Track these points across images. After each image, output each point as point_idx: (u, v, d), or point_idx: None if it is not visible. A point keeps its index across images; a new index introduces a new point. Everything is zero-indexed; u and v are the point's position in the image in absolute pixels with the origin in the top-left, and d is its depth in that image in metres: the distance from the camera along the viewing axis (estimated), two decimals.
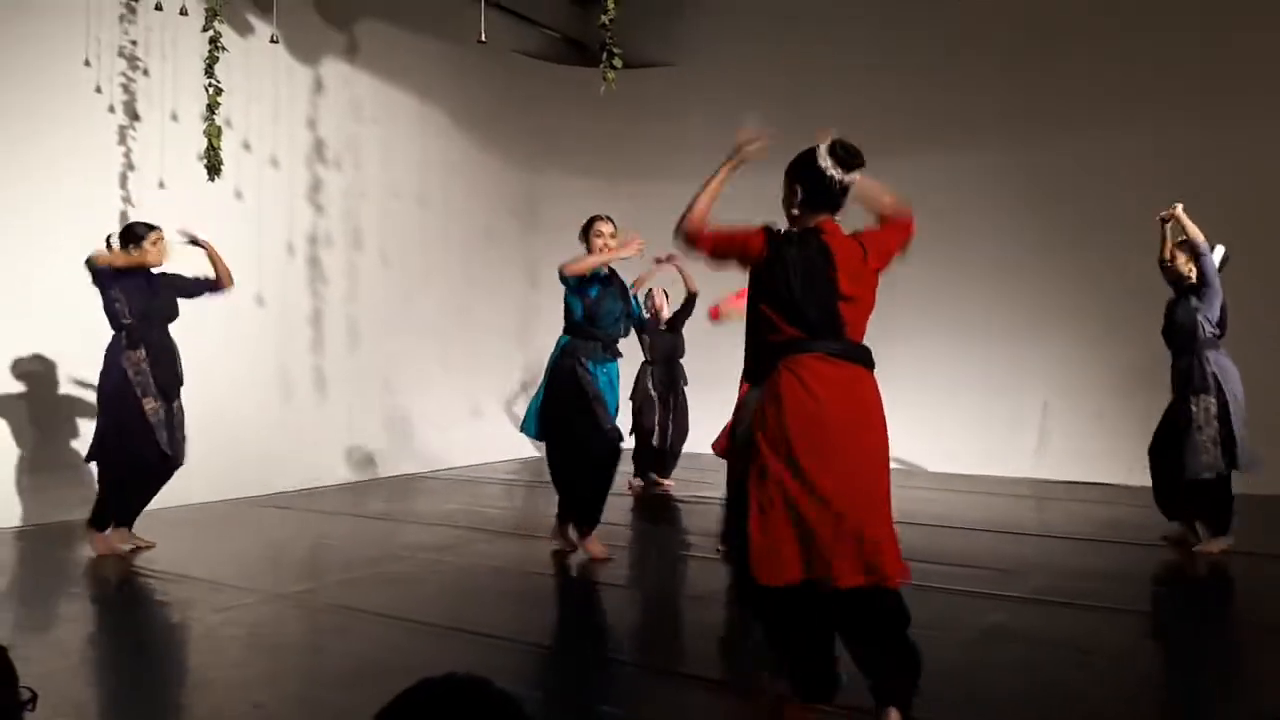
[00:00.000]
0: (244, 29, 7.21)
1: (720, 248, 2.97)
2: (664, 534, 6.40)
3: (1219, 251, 5.22)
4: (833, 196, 2.94)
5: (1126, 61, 7.68)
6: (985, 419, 8.16)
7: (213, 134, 6.42)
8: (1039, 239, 7.99)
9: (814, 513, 2.74)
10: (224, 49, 6.43)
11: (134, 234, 5.23)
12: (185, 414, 5.30)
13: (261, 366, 7.36)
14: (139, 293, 5.14)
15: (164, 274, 5.30)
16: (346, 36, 8.16)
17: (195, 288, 5.40)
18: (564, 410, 5.01)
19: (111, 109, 6.56)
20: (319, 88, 7.90)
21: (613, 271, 5.20)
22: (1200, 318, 5.15)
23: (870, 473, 2.82)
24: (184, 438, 5.29)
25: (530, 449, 9.50)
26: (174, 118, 6.83)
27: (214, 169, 6.43)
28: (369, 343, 8.24)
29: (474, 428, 9.01)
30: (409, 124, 8.70)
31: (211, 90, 6.39)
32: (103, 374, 5.15)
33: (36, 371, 6.15)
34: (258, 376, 7.28)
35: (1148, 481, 6.40)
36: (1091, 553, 5.50)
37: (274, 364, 7.48)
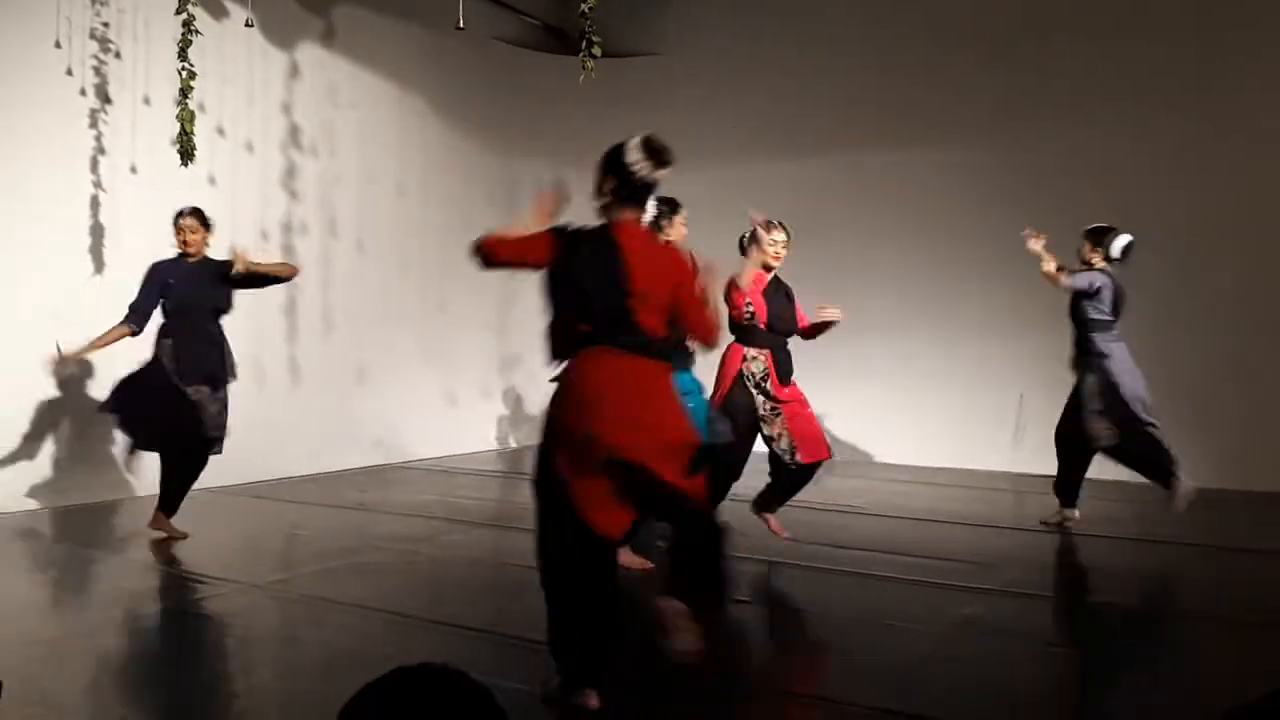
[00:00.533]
0: (218, 12, 7.10)
1: (507, 253, 2.99)
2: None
3: (1124, 239, 5.61)
4: (637, 192, 2.99)
5: (1118, 61, 7.69)
6: (963, 412, 8.19)
7: (186, 118, 6.32)
8: (1017, 233, 8.02)
9: (623, 463, 2.82)
10: (198, 32, 6.33)
11: (173, 219, 5.28)
12: (226, 407, 5.23)
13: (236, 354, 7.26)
14: (180, 283, 5.13)
15: (218, 262, 5.24)
16: (323, 21, 8.06)
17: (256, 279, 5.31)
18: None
19: (83, 92, 6.44)
20: (295, 72, 7.80)
21: None
22: (1086, 303, 5.57)
23: (664, 432, 2.90)
24: (221, 426, 5.19)
25: (509, 441, 9.48)
26: (146, 101, 6.72)
27: (187, 154, 6.33)
28: (344, 331, 8.16)
29: (450, 418, 8.95)
30: (386, 110, 8.62)
31: (185, 74, 6.29)
32: (150, 362, 5.16)
33: (9, 358, 6.05)
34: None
35: (1121, 475, 6.46)
36: (1066, 546, 5.54)
37: (247, 353, 7.33)
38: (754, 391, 4.86)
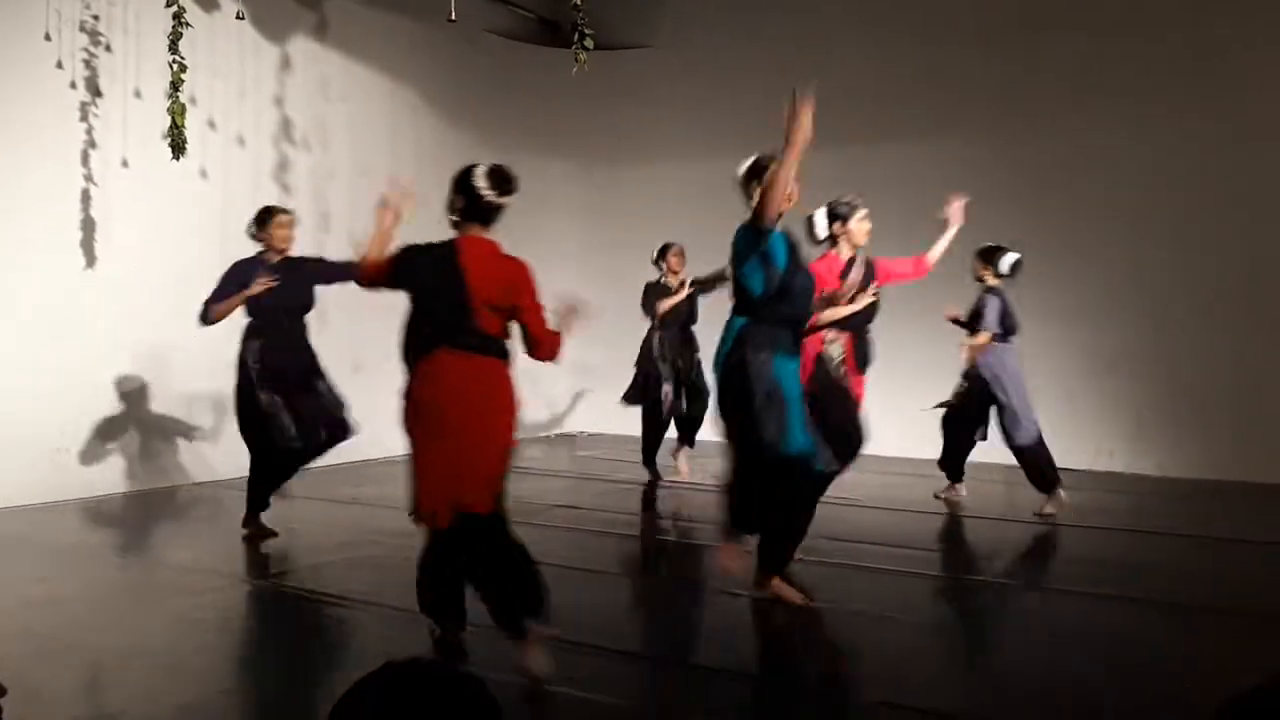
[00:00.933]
0: (209, 4, 7.06)
1: (373, 275, 3.42)
2: (647, 520, 6.37)
3: (1011, 257, 6.04)
4: (483, 213, 3.32)
5: (1115, 57, 7.66)
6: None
7: (177, 112, 6.29)
8: (1014, 228, 8.01)
9: (423, 473, 3.23)
10: (188, 25, 6.30)
11: (260, 217, 5.21)
12: (334, 393, 5.25)
13: (226, 349, 7.23)
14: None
15: (300, 260, 5.21)
16: (314, 14, 8.02)
17: (337, 273, 5.16)
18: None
19: (73, 85, 6.40)
20: (286, 65, 7.76)
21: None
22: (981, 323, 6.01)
23: (477, 441, 3.20)
24: (328, 414, 5.18)
25: None
26: (137, 95, 6.68)
27: (178, 147, 6.31)
28: (337, 326, 8.10)
29: None
30: (378, 104, 8.58)
31: (175, 67, 6.26)
32: (237, 364, 5.17)
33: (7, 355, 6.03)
34: (223, 359, 7.14)
35: (1115, 467, 6.45)
36: (1059, 537, 5.54)
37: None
38: (830, 374, 4.60)
